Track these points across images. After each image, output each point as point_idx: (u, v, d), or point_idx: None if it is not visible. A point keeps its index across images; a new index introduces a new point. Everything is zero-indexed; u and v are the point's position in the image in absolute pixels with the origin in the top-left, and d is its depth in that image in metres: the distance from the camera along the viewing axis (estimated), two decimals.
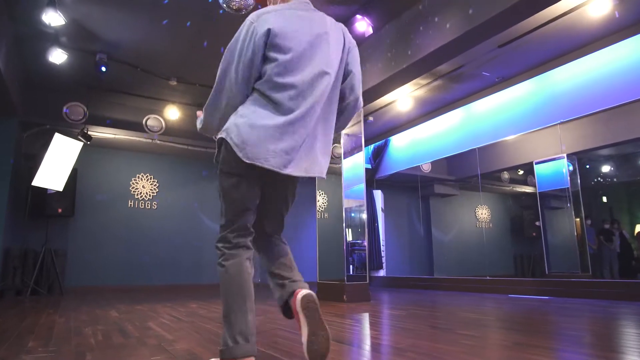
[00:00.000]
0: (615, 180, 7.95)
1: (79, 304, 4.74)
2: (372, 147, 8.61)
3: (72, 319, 3.39)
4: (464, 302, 4.72)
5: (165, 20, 4.68)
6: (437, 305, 4.40)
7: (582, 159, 6.56)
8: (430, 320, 3.12)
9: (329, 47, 1.70)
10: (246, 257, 1.66)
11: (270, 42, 1.59)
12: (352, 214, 5.94)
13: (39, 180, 5.61)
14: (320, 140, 1.70)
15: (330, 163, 5.73)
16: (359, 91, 1.86)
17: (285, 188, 1.80)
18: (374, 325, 2.99)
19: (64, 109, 6.36)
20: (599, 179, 7.82)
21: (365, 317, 3.45)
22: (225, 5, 3.51)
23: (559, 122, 5.54)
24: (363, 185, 5.45)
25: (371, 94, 5.13)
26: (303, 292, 1.61)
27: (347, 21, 4.55)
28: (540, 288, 5.42)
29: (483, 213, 9.47)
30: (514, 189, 9.34)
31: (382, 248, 8.82)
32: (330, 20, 1.82)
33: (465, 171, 8.55)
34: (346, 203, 5.40)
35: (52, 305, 4.69)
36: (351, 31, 4.56)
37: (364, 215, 5.92)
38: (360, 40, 4.96)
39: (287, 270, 1.79)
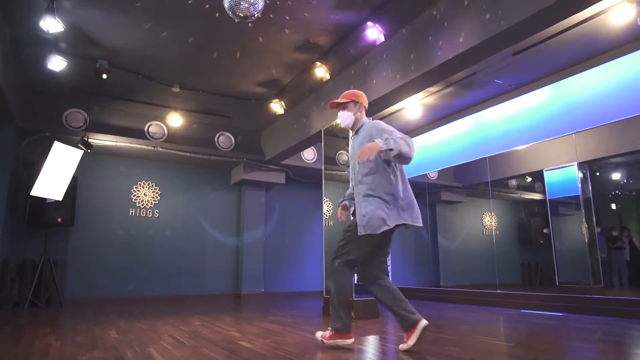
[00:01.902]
0: (626, 187, 7.77)
1: (77, 321, 4.57)
2: None
3: (69, 342, 3.22)
4: (476, 319, 4.54)
5: (168, 26, 4.52)
6: (449, 324, 4.22)
7: (592, 167, 6.39)
8: (448, 347, 2.94)
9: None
10: None
11: None
12: None
13: (38, 190, 5.45)
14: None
15: (335, 170, 5.64)
16: None
17: None
18: (388, 354, 2.81)
19: (64, 116, 6.21)
20: (610, 186, 7.64)
21: (378, 342, 3.27)
22: (231, 13, 3.34)
23: (574, 131, 5.35)
24: None
25: (381, 103, 4.96)
26: None
27: (358, 28, 4.38)
28: (553, 303, 5.23)
29: (490, 220, 9.29)
30: (522, 196, 9.16)
31: (388, 257, 8.62)
32: None
33: (473, 178, 8.38)
34: None
35: (49, 322, 4.52)
36: (362, 39, 4.39)
37: None
38: (371, 47, 4.79)
39: None
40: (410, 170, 7.73)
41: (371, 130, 2.83)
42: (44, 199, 5.82)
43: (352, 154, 2.98)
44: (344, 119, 2.95)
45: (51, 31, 3.86)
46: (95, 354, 2.78)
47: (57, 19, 3.80)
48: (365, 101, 3.02)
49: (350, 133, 3.06)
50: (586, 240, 5.96)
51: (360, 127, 2.94)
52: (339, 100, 2.95)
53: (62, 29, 3.91)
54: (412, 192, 2.82)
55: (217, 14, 4.25)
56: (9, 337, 3.48)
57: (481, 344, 3.12)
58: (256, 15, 3.35)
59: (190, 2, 4.10)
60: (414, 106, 6.17)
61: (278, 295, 8.09)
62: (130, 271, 7.02)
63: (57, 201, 5.90)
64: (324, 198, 6.21)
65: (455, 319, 4.60)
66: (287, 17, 4.31)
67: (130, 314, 5.22)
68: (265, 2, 3.35)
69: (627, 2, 3.79)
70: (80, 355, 2.76)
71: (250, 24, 4.22)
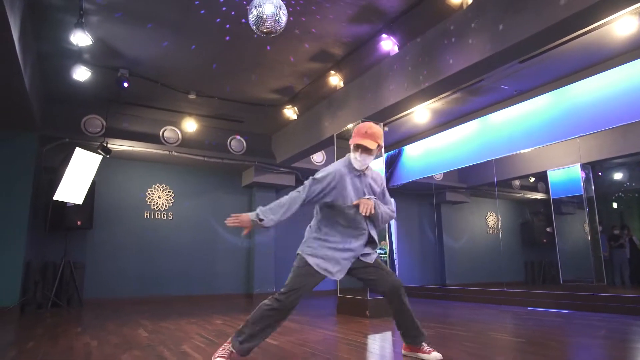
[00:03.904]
0: (628, 187, 7.96)
1: (102, 321, 4.76)
2: (385, 156, 8.62)
3: (105, 342, 3.41)
4: (485, 317, 4.72)
5: (190, 40, 4.70)
6: (460, 322, 4.40)
7: (595, 167, 6.57)
8: (463, 343, 3.13)
9: None
10: None
11: None
12: None
13: (60, 195, 5.63)
14: None
15: None
16: None
17: None
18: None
19: (82, 122, 6.39)
20: (613, 186, 7.83)
21: (398, 339, 3.45)
22: (255, 28, 3.51)
23: (578, 135, 5.53)
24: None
25: (392, 110, 5.14)
26: None
27: (372, 39, 4.56)
28: (559, 301, 5.42)
29: (493, 219, 9.48)
30: (525, 195, 9.35)
31: (395, 256, 8.83)
32: None
33: (477, 179, 8.56)
34: None
35: (76, 322, 4.71)
36: (376, 50, 4.58)
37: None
38: (384, 57, 4.98)
39: None
40: (418, 172, 7.96)
41: (380, 180, 2.75)
42: (64, 203, 6.00)
43: (357, 190, 2.62)
44: (364, 162, 2.57)
45: (80, 45, 4.05)
46: (134, 353, 2.97)
47: (87, 33, 3.98)
48: None
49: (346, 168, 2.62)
50: (589, 238, 6.15)
51: (366, 168, 2.66)
52: (369, 146, 2.51)
53: (91, 42, 4.09)
54: None
55: (235, 28, 4.43)
56: (45, 338, 3.66)
57: (494, 340, 3.31)
58: (279, 31, 3.53)
59: (205, 14, 4.28)
60: (422, 110, 6.35)
61: None
62: (144, 272, 7.21)
63: (76, 205, 6.09)
64: None
65: (465, 317, 4.78)
66: (303, 30, 4.49)
67: (151, 314, 5.41)
68: (288, 18, 3.53)
69: (630, 14, 3.96)
70: (120, 354, 2.94)
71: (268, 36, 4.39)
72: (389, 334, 3.75)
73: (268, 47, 4.90)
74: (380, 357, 2.91)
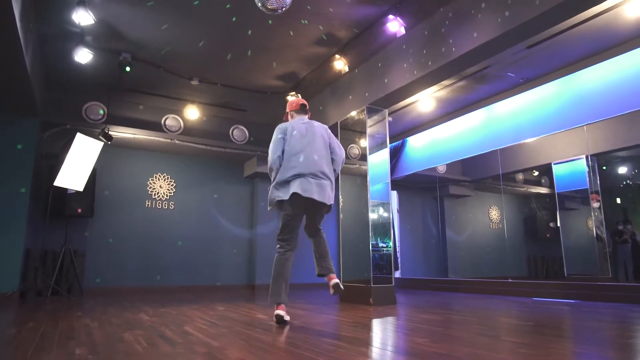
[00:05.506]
0: (634, 180, 7.90)
1: (104, 307, 4.70)
2: (388, 147, 8.55)
3: (106, 323, 3.35)
4: (492, 305, 4.66)
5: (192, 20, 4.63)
6: (466, 309, 4.34)
7: (599, 160, 6.50)
8: (472, 326, 3.07)
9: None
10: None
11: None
12: (374, 214, 5.88)
13: (60, 181, 5.56)
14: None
15: (348, 163, 5.94)
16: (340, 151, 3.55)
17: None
18: (417, 331, 2.92)
19: (84, 109, 6.32)
20: (618, 179, 7.76)
21: (403, 322, 3.39)
22: (260, 5, 3.45)
23: (585, 123, 5.46)
24: (389, 185, 5.42)
25: (398, 95, 5.07)
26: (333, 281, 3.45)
27: (379, 21, 4.50)
28: (564, 291, 5.36)
29: (496, 214, 9.41)
30: (529, 190, 9.28)
31: (397, 249, 8.78)
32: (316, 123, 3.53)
33: (480, 172, 8.50)
34: (370, 203, 5.34)
35: (77, 308, 4.65)
36: (383, 32, 4.50)
37: (388, 215, 5.85)
38: (390, 40, 4.91)
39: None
40: (422, 163, 7.89)
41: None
42: (65, 191, 5.93)
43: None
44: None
45: (82, 24, 3.98)
46: (136, 332, 2.90)
47: (89, 11, 3.91)
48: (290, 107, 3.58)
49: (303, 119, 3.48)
50: (594, 233, 6.09)
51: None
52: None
53: (93, 22, 4.02)
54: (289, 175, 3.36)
55: (240, 11, 4.36)
56: (46, 321, 3.60)
57: (504, 323, 3.25)
58: (285, 8, 3.46)
59: None
60: (427, 99, 6.28)
61: (291, 286, 8.18)
62: (145, 262, 7.14)
63: (77, 193, 6.02)
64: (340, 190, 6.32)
65: (472, 305, 4.72)
66: (308, 12, 4.42)
67: (152, 301, 5.35)
68: None
69: None
70: (122, 332, 2.88)
71: (270, 21, 4.33)
72: (393, 318, 3.69)
73: (272, 30, 4.83)
74: (386, 336, 2.85)
